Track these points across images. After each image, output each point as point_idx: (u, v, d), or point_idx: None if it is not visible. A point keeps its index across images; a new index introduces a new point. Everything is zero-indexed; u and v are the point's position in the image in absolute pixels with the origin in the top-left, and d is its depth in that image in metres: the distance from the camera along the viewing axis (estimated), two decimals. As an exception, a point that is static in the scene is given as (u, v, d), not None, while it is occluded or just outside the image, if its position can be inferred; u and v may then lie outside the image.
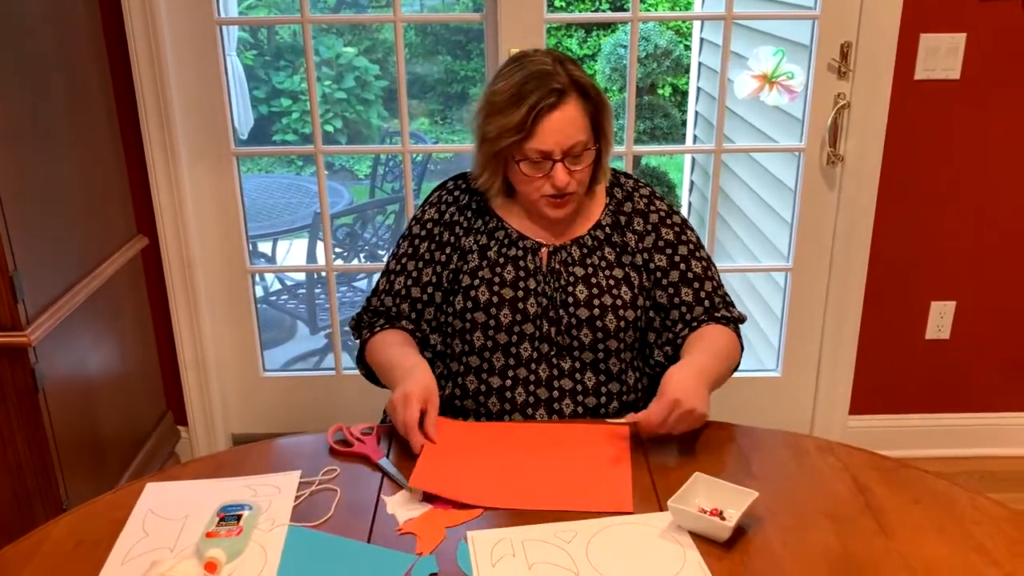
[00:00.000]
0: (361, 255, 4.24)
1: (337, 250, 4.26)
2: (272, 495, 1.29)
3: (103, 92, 2.26)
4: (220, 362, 2.67)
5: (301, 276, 4.12)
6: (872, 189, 2.47)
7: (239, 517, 1.20)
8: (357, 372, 1.68)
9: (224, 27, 4.34)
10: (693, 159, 4.70)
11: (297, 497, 1.28)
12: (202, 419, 2.67)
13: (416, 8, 7.43)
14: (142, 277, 2.46)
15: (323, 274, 3.30)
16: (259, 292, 4.25)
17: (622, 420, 1.42)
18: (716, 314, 1.62)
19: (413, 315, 1.62)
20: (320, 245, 4.06)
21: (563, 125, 1.47)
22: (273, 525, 1.22)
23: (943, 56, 2.36)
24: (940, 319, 2.61)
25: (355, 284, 4.11)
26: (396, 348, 1.56)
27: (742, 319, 1.65)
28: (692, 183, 4.68)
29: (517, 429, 1.46)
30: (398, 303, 1.62)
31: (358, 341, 1.67)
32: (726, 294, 1.66)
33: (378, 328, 1.62)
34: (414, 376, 1.44)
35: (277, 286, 4.19)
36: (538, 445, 1.40)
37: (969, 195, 2.49)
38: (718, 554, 1.15)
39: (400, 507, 1.26)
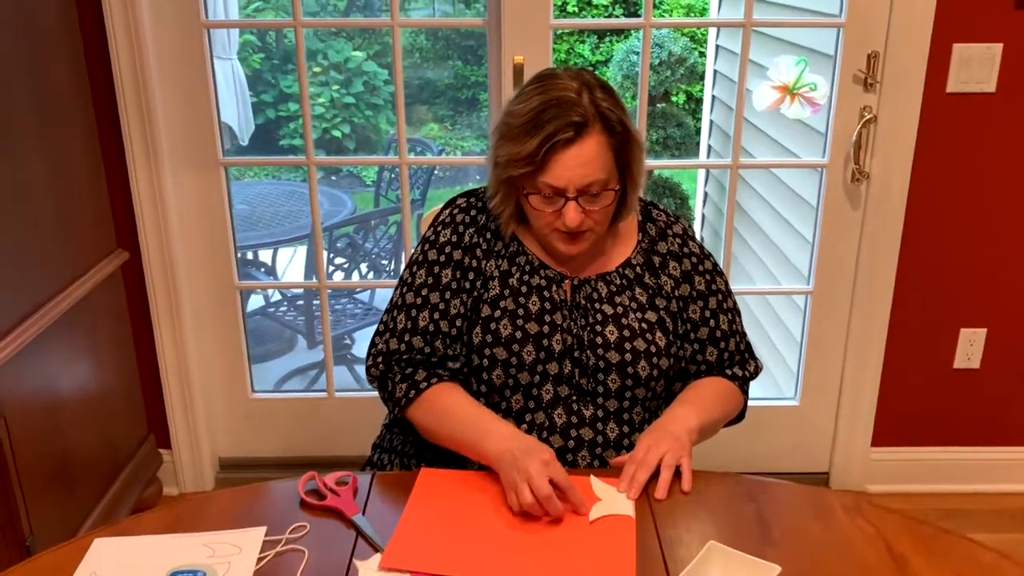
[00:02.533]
0: (363, 265, 4.11)
1: (338, 260, 4.13)
2: (231, 555, 1.15)
3: (79, 97, 2.13)
4: (206, 383, 2.54)
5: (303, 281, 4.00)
6: (899, 208, 2.31)
7: (190, 586, 1.06)
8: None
9: (225, 31, 4.25)
10: (708, 170, 4.54)
11: (259, 559, 1.14)
12: (187, 442, 2.53)
13: (429, 12, 7.31)
14: (122, 293, 2.32)
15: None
16: (259, 302, 4.13)
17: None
18: (727, 371, 1.51)
19: (450, 352, 1.43)
20: (322, 255, 3.96)
21: (580, 162, 1.31)
22: (229, 594, 1.08)
23: (977, 67, 2.20)
24: (970, 347, 2.45)
25: (356, 296, 3.98)
26: (471, 405, 1.37)
27: (754, 375, 1.54)
28: (706, 195, 4.53)
29: None
30: (431, 342, 1.43)
31: (391, 401, 1.44)
32: (748, 345, 1.54)
33: (424, 384, 1.40)
34: (527, 439, 1.29)
35: (277, 296, 4.06)
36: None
37: (1003, 216, 2.33)
38: (734, 641, 1.00)
39: (374, 574, 1.11)
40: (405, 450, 1.48)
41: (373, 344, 1.47)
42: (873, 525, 1.20)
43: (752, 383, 1.56)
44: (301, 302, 3.85)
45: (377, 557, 1.14)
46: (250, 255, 4.18)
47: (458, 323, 1.43)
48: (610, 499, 1.24)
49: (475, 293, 1.43)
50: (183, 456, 2.54)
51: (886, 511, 1.23)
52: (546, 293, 1.42)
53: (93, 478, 2.14)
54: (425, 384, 1.41)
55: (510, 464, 1.25)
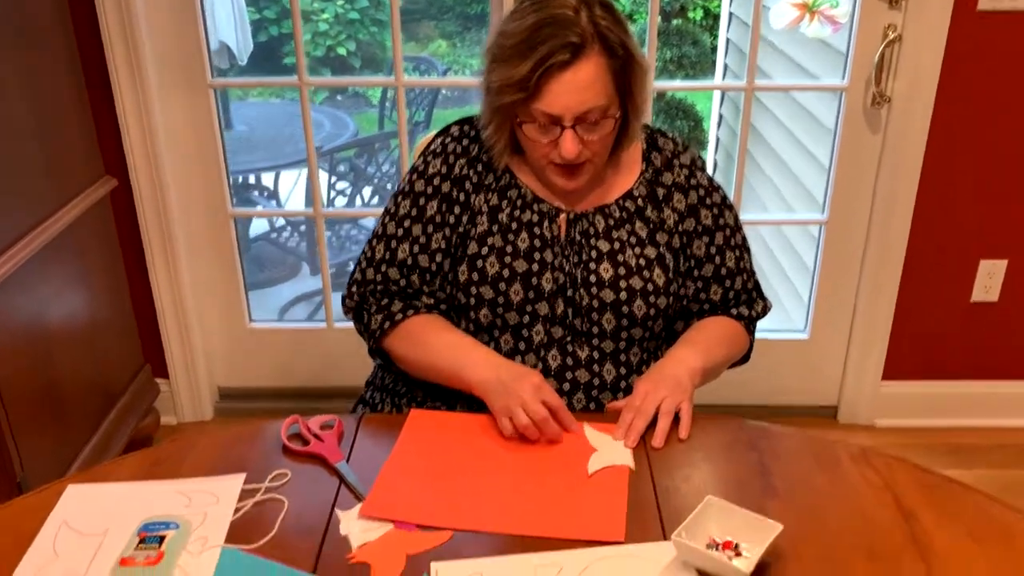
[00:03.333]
0: (366, 190, 4.02)
1: (340, 185, 4.04)
2: (208, 505, 1.10)
3: (58, 18, 2.03)
4: (203, 312, 2.49)
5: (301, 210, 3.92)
6: (921, 134, 2.20)
7: (162, 539, 1.02)
8: (350, 324, 1.44)
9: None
10: (723, 91, 4.38)
11: (237, 508, 1.10)
12: (184, 372, 2.50)
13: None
14: (111, 221, 2.25)
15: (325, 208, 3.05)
16: (263, 227, 4.06)
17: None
18: (733, 311, 1.43)
19: (426, 289, 1.37)
20: (323, 178, 3.85)
21: (576, 87, 1.21)
22: (204, 546, 1.04)
23: (1012, -17, 2.06)
24: (989, 279, 2.37)
25: (361, 222, 3.90)
26: (450, 333, 1.33)
27: (762, 315, 1.46)
28: (721, 117, 4.38)
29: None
30: (407, 275, 1.37)
31: (366, 333, 1.39)
32: (756, 284, 1.46)
33: (400, 315, 1.35)
34: (513, 364, 1.27)
35: (281, 221, 3.99)
36: (522, 449, 1.19)
37: (1031, 143, 2.22)
38: (730, 601, 0.95)
39: (356, 525, 1.07)
40: (396, 389, 1.43)
41: (351, 275, 1.41)
42: (881, 476, 1.14)
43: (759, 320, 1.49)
44: (304, 227, 3.78)
45: (359, 506, 1.09)
46: (252, 179, 4.09)
47: (439, 258, 1.36)
48: (607, 449, 1.19)
49: (461, 228, 1.35)
50: (180, 386, 2.51)
51: (894, 460, 1.17)
52: (537, 230, 1.34)
53: (86, 411, 2.10)
54: (401, 316, 1.35)
55: (499, 391, 1.21)
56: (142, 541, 1.01)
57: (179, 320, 2.43)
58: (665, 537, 1.04)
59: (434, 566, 1.00)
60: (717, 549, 1.01)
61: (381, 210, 1.43)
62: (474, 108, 1.41)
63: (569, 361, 1.33)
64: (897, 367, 2.48)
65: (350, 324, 1.44)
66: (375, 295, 1.38)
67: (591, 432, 1.22)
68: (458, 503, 1.09)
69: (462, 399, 1.31)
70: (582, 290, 1.32)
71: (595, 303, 1.32)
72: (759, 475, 1.14)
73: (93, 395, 2.14)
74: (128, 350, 2.35)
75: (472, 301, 1.33)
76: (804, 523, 1.05)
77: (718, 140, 4.38)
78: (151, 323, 2.42)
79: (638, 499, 1.10)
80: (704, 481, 1.13)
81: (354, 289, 1.40)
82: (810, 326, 2.49)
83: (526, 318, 1.32)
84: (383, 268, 1.37)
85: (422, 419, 1.26)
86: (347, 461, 1.17)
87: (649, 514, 1.08)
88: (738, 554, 1.00)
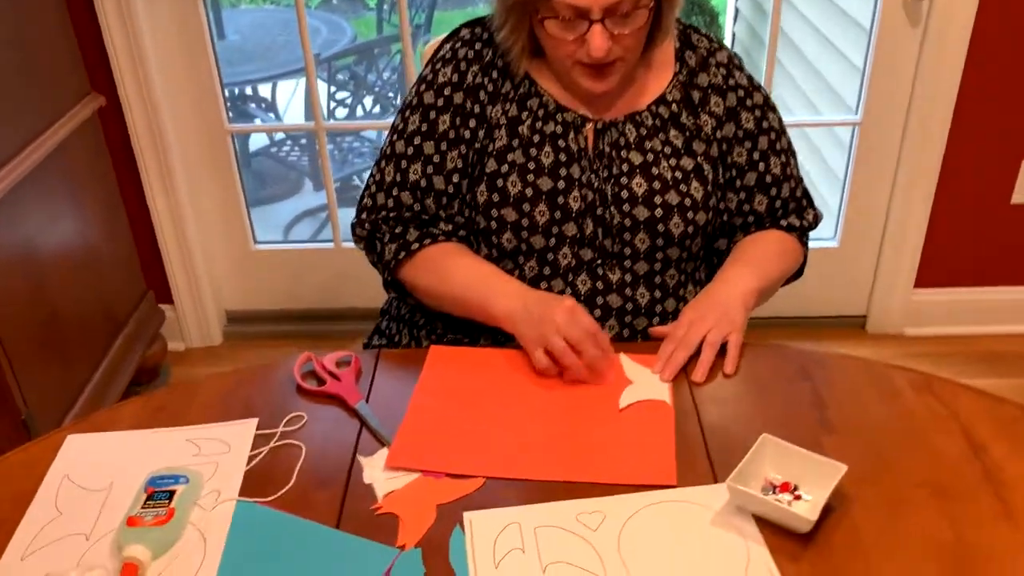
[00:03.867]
0: (367, 99, 3.85)
1: (340, 95, 3.87)
2: (220, 454, 1.02)
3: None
4: (204, 234, 2.39)
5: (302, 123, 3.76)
6: (965, 27, 2.04)
7: (171, 494, 0.94)
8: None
9: None
10: (739, -17, 4.15)
11: (251, 457, 1.01)
12: (189, 297, 2.41)
13: None
14: (102, 141, 2.13)
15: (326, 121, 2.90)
16: (262, 141, 3.91)
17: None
18: (782, 222, 1.32)
19: (442, 214, 1.26)
20: (322, 88, 3.68)
21: None
22: (218, 500, 0.96)
23: None
24: (1030, 180, 2.24)
25: (363, 134, 3.75)
26: (472, 261, 1.23)
27: (813, 225, 1.34)
28: (737, 11, 4.16)
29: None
30: (422, 199, 1.25)
31: (380, 264, 1.28)
32: (805, 192, 1.34)
33: (416, 245, 1.24)
34: (541, 292, 1.18)
35: (280, 135, 3.84)
36: (553, 386, 1.11)
37: (1084, 31, 2.06)
38: (791, 550, 0.87)
39: (380, 473, 0.99)
40: (414, 320, 1.33)
41: (360, 200, 1.30)
42: (946, 406, 1.05)
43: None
44: (305, 141, 3.63)
45: (383, 452, 1.01)
46: (248, 91, 3.92)
47: (455, 179, 1.24)
48: (643, 382, 1.10)
49: (477, 144, 1.23)
50: (186, 311, 2.42)
51: (960, 389, 1.07)
52: (562, 142, 1.22)
53: (89, 341, 2.02)
54: (417, 245, 1.24)
55: (529, 320, 1.11)
56: (150, 497, 0.93)
57: (180, 243, 2.33)
58: (715, 479, 0.96)
59: (467, 516, 0.92)
60: (773, 492, 0.93)
61: (384, 121, 1.30)
62: (478, 10, 1.27)
63: (600, 285, 1.23)
64: (929, 274, 2.37)
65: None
66: (388, 223, 1.27)
67: (628, 363, 1.13)
68: (490, 448, 1.01)
69: (486, 331, 1.21)
70: (613, 208, 1.21)
71: (627, 222, 1.21)
72: (813, 408, 1.05)
73: (95, 325, 2.06)
74: (129, 276, 2.26)
75: (493, 225, 1.22)
76: (865, 461, 0.97)
77: (734, 36, 4.17)
78: (152, 248, 2.32)
79: (684, 438, 1.02)
80: (754, 417, 1.04)
81: (364, 216, 1.29)
82: (839, 234, 2.37)
83: (552, 241, 1.22)
84: (394, 192, 1.26)
85: (443, 356, 1.16)
86: (367, 401, 1.09)
87: (696, 454, 0.99)
88: (797, 497, 0.92)
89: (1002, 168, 2.23)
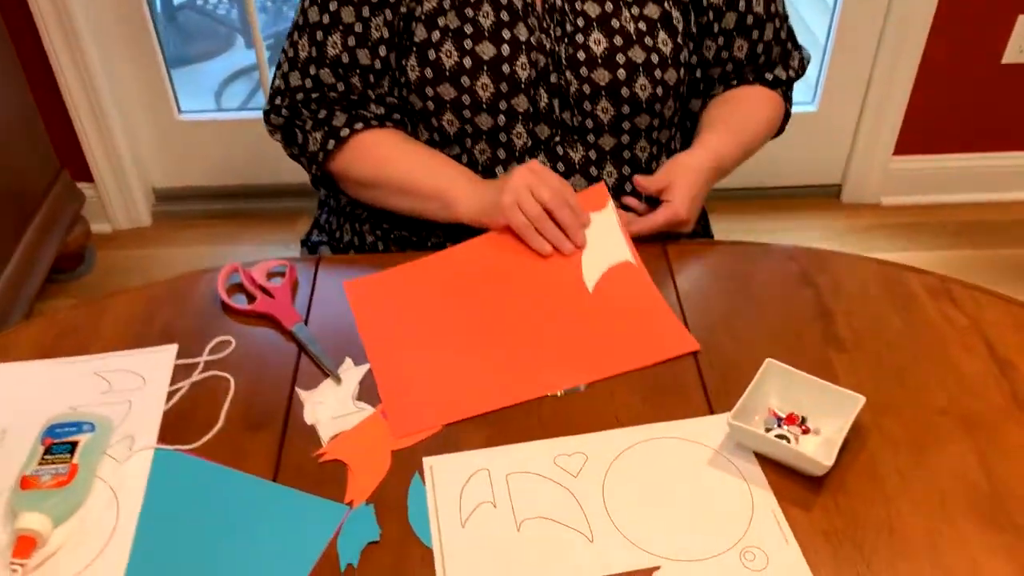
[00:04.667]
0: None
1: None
2: (133, 390, 0.87)
3: None
4: (122, 103, 2.14)
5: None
6: None
7: (74, 446, 0.79)
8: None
9: None
10: None
11: (170, 393, 0.86)
12: (111, 173, 2.18)
13: None
14: (-9, -1, 1.84)
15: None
16: (186, -6, 3.55)
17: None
18: (766, 74, 1.15)
19: (372, 94, 1.07)
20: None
21: None
22: (132, 449, 0.81)
23: None
24: (1024, 37, 2.08)
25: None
26: (413, 150, 1.06)
27: (800, 72, 1.18)
28: None
29: (492, 254, 0.99)
30: (345, 77, 1.05)
31: (305, 157, 1.09)
32: (790, 32, 1.17)
33: (346, 130, 1.05)
34: (496, 181, 1.03)
35: (206, -15, 3.48)
36: (505, 279, 0.96)
37: None
38: (800, 495, 0.76)
39: (323, 410, 0.84)
40: (355, 212, 1.16)
41: (272, 81, 1.10)
42: (967, 315, 0.93)
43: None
44: (234, -9, 3.29)
45: (328, 385, 0.87)
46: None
47: (382, 52, 1.05)
48: (596, 239, 0.99)
49: (404, 8, 1.03)
50: (109, 189, 2.20)
51: (981, 294, 0.95)
52: None
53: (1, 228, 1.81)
54: (348, 131, 1.06)
55: (490, 192, 1.00)
56: (48, 450, 0.78)
57: (96, 114, 2.08)
58: (711, 410, 0.83)
59: (427, 462, 0.79)
60: (779, 425, 0.81)
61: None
62: None
63: (560, 167, 1.07)
64: (910, 141, 2.24)
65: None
66: (308, 107, 1.07)
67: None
68: (481, 378, 0.86)
69: (436, 227, 1.05)
70: (568, 73, 1.03)
71: (586, 88, 1.04)
72: (819, 319, 0.92)
73: (3, 211, 1.84)
74: (38, 155, 2.01)
75: (430, 105, 1.04)
76: (880, 384, 0.85)
77: None
78: (63, 120, 2.08)
79: (672, 363, 0.88)
80: (751, 333, 0.91)
81: (279, 101, 1.09)
82: (819, 97, 2.21)
83: (501, 119, 1.04)
84: (311, 70, 1.06)
85: (363, 291, 0.97)
86: (305, 322, 0.93)
87: (688, 381, 0.86)
88: (805, 431, 0.80)
89: (995, 25, 2.06)
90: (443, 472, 0.78)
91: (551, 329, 0.91)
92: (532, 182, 0.98)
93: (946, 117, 2.20)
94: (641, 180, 1.03)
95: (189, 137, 2.23)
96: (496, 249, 0.99)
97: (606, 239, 0.98)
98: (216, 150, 2.25)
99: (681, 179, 1.02)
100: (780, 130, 1.21)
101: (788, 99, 1.20)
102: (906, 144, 2.24)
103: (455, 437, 0.81)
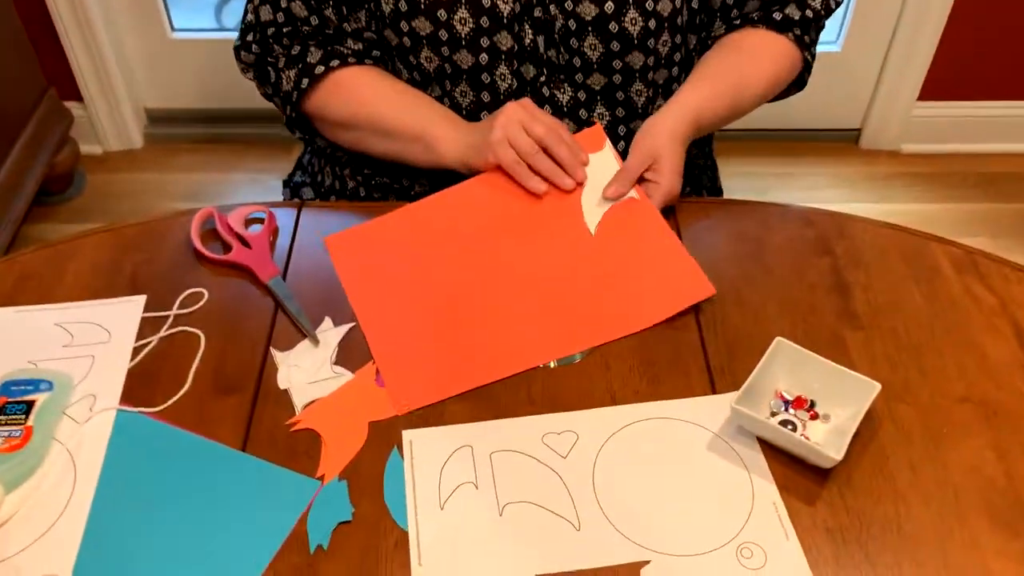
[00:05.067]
0: None
1: None
2: (96, 344, 0.81)
3: None
4: (112, 20, 2.03)
5: None
6: None
7: (30, 406, 0.74)
8: None
9: None
10: None
11: (136, 349, 0.81)
12: (100, 92, 2.09)
13: None
14: (-32, -98, 1.73)
15: None
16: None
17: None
18: (774, 12, 1.02)
19: (348, 27, 0.99)
20: None
21: None
22: (92, 410, 0.76)
23: None
24: (1065, -22, 1.96)
25: None
26: (396, 85, 0.99)
27: (825, 10, 1.03)
28: None
29: (482, 199, 0.92)
30: (318, 9, 0.97)
31: (279, 97, 1.01)
32: None
33: (321, 67, 0.97)
34: (482, 123, 0.95)
35: None
36: (497, 231, 0.89)
37: None
38: (804, 488, 0.71)
39: (299, 374, 0.79)
40: (336, 155, 1.08)
41: (243, 16, 1.01)
42: (994, 293, 0.86)
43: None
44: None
45: (305, 346, 0.81)
46: None
47: None
48: (594, 173, 0.92)
49: None
50: (99, 109, 2.12)
51: (1010, 269, 0.88)
52: None
53: (-21, 149, 1.74)
54: (323, 68, 0.98)
55: (478, 131, 0.93)
56: (1, 410, 0.73)
57: (83, 29, 1.98)
58: (713, 388, 0.78)
59: (407, 436, 0.74)
60: (786, 408, 0.75)
61: None
62: None
63: (547, 110, 0.99)
64: (937, 86, 2.13)
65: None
66: (280, 42, 0.99)
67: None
68: (476, 347, 0.80)
69: (420, 173, 0.99)
70: (553, 6, 0.95)
71: (572, 23, 0.95)
72: (834, 292, 0.86)
73: (-15, 130, 1.76)
74: (24, 71, 1.92)
75: (406, 41, 0.96)
76: (896, 365, 0.79)
77: None
78: (49, 35, 1.98)
79: (674, 336, 0.82)
80: (762, 304, 0.85)
81: (250, 37, 1.00)
82: (843, 36, 2.09)
83: (483, 57, 0.96)
84: (283, 2, 0.97)
85: (346, 245, 0.89)
86: (283, 276, 0.87)
87: (689, 355, 0.80)
88: (814, 416, 0.75)
89: (1037, -37, 1.93)
90: (423, 447, 0.73)
91: (552, 281, 0.85)
92: (524, 117, 0.90)
93: (976, 62, 2.09)
94: (623, 175, 0.92)
95: (182, 56, 2.13)
96: (487, 193, 0.91)
97: (607, 180, 0.91)
98: (210, 71, 2.15)
99: (666, 153, 0.92)
100: (800, 84, 1.09)
101: (809, 44, 1.06)
102: (932, 89, 2.13)
103: (438, 409, 0.76)
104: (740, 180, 2.11)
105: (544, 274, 0.85)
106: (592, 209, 0.90)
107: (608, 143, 0.94)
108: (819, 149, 2.23)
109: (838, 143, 2.25)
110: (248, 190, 2.07)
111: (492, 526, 0.68)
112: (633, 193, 0.90)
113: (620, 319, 0.82)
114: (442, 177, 0.96)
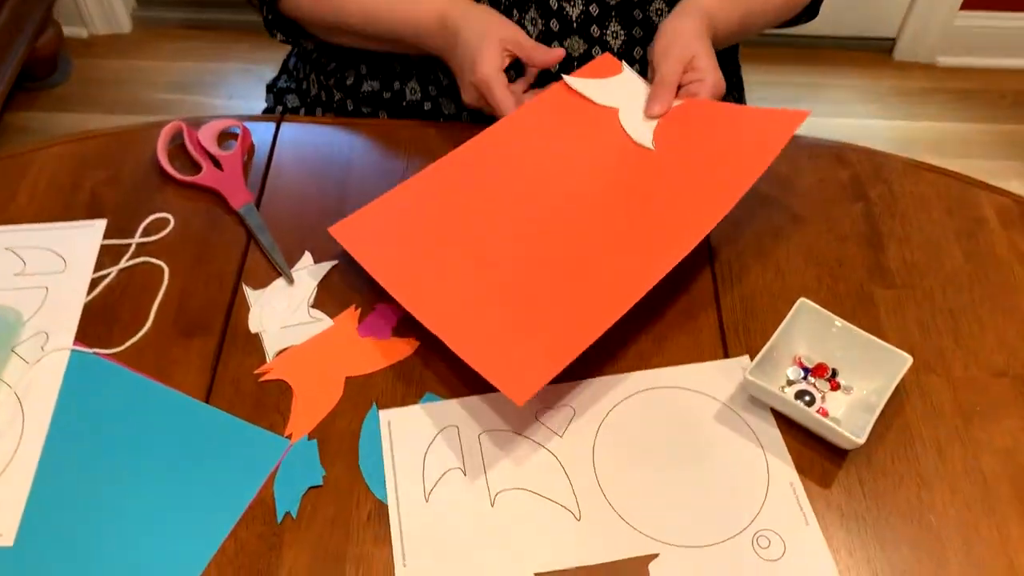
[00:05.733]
0: None
1: None
2: (51, 274, 0.74)
3: None
4: None
5: None
6: None
7: (-27, 344, 0.67)
8: None
9: None
10: None
11: (94, 281, 0.74)
12: (84, -30, 1.96)
13: None
14: None
15: None
16: None
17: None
18: None
19: None
20: None
21: None
22: (44, 349, 0.69)
23: None
24: None
25: None
26: None
27: None
28: None
29: (514, 143, 0.78)
30: None
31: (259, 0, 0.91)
32: None
33: None
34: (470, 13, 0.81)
35: None
36: (566, 167, 0.78)
37: None
38: (820, 470, 0.64)
39: (271, 316, 0.72)
40: (320, 61, 0.98)
41: None
42: (1043, 251, 0.78)
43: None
44: None
45: (279, 285, 0.73)
46: None
47: None
48: (623, 100, 0.81)
49: None
50: (84, -16, 1.99)
51: (1063, 224, 0.80)
52: None
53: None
54: None
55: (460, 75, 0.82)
56: (-58, 348, 0.67)
57: (63, -100, 1.83)
58: (725, 352, 0.70)
59: (384, 417, 0.66)
60: (805, 377, 0.68)
61: None
62: None
63: (555, 25, 0.88)
64: (982, -7, 1.98)
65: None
66: None
67: (581, 83, 0.82)
68: (574, 293, 0.68)
69: (408, 72, 0.89)
70: None
71: None
72: (866, 244, 0.78)
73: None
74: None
75: None
76: (929, 331, 0.72)
77: None
78: (25, -96, 1.83)
79: (686, 287, 0.74)
80: (786, 255, 0.77)
81: None
82: (886, -64, 1.93)
83: None
84: None
85: (358, 230, 0.73)
86: (257, 204, 0.79)
87: (701, 313, 0.73)
88: (835, 386, 0.68)
89: None
90: (404, 429, 0.66)
91: (624, 204, 0.73)
92: (482, 106, 0.81)
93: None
94: (662, 89, 0.80)
95: (172, -67, 1.98)
96: (507, 145, 0.78)
97: (640, 101, 0.81)
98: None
99: (700, 50, 0.80)
100: (811, 12, 0.97)
101: None
102: (977, -2, 1.99)
103: (423, 367, 0.69)
104: (762, 89, 1.99)
105: (611, 203, 0.74)
106: (640, 131, 0.78)
107: (625, 64, 0.84)
108: (849, 58, 2.10)
109: (870, 52, 2.12)
110: (239, 81, 1.95)
111: (483, 518, 0.61)
112: (679, 102, 0.80)
113: (719, 196, 0.70)
114: (432, 73, 0.85)
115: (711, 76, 0.80)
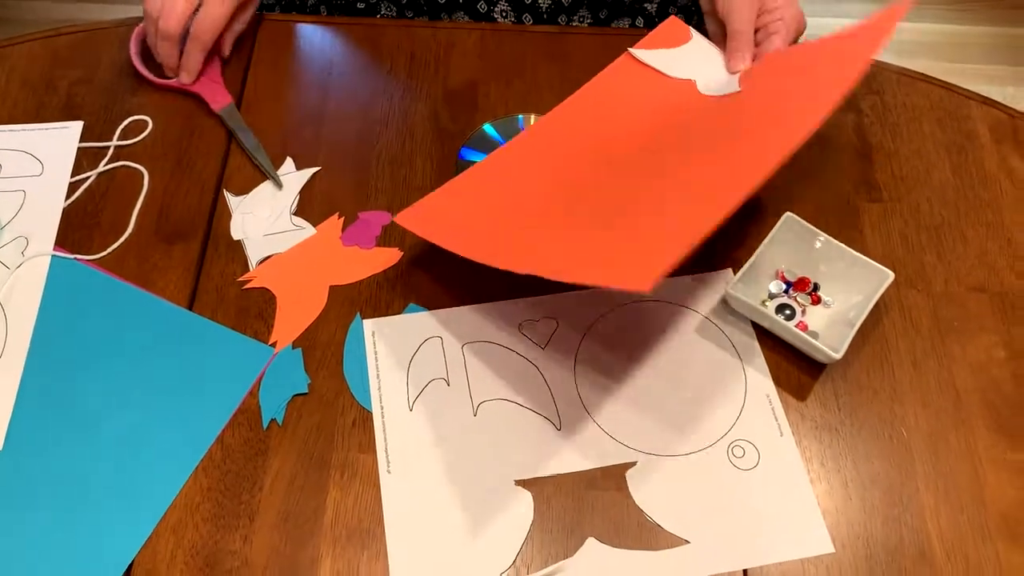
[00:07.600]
0: None
1: None
2: (29, 177, 0.73)
3: None
4: None
5: None
6: None
7: (-49, 250, 0.67)
8: None
9: None
10: None
11: (72, 185, 0.72)
12: None
13: None
14: None
15: None
16: None
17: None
18: None
19: None
20: None
21: None
22: (23, 254, 0.69)
23: None
24: None
25: None
26: None
27: None
28: None
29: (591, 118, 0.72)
30: None
31: None
32: None
33: None
34: None
35: None
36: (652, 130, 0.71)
37: None
38: (796, 383, 0.65)
39: (254, 223, 0.71)
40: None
41: None
42: (1031, 167, 0.77)
43: None
44: None
45: (265, 188, 0.72)
46: None
47: None
48: (702, 61, 0.76)
49: None
50: None
51: (1054, 141, 0.79)
52: None
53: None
54: None
55: None
56: (-81, 253, 0.66)
57: None
58: (711, 265, 0.71)
59: (368, 326, 0.66)
60: (787, 292, 0.69)
61: None
62: None
63: (528, 19, 0.85)
64: None
65: None
66: None
67: (650, 55, 0.76)
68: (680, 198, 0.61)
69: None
70: None
71: None
72: (856, 159, 0.77)
73: None
74: None
75: None
76: (912, 246, 0.72)
77: None
78: None
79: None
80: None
81: None
82: None
83: None
84: None
85: (425, 215, 0.68)
86: (239, 104, 0.77)
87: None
88: (816, 300, 0.69)
89: None
90: (388, 338, 0.66)
91: (714, 137, 0.68)
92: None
93: None
94: (739, 40, 0.74)
95: None
96: (580, 122, 0.72)
97: (717, 65, 0.75)
98: None
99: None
100: None
101: None
102: None
103: (406, 280, 0.69)
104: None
105: (699, 141, 0.68)
106: (721, 83, 0.74)
107: (693, 30, 0.78)
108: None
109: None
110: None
111: (466, 428, 0.62)
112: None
113: (808, 107, 0.65)
114: None
115: (788, 11, 0.74)
